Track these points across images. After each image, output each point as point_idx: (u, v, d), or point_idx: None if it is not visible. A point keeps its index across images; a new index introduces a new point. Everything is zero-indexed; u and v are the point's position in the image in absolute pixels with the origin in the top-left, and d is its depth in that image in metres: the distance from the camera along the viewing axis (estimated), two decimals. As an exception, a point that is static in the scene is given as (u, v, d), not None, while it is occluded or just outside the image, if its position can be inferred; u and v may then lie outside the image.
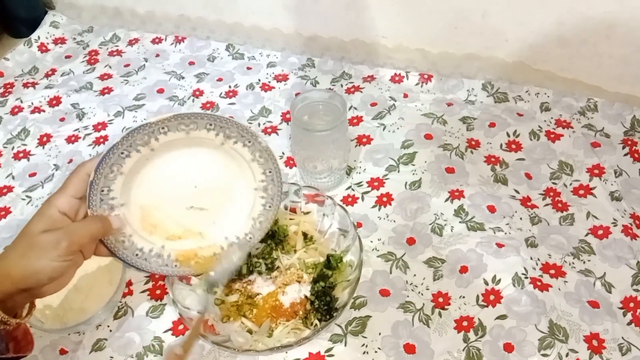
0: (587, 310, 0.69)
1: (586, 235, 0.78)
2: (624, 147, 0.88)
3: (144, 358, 0.69)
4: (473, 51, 1.01)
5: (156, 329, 0.71)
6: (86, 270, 0.74)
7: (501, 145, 0.90)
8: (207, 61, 1.13)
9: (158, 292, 0.75)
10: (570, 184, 0.84)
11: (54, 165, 0.94)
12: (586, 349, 0.66)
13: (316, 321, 0.66)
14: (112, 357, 0.69)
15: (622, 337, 0.67)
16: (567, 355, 0.65)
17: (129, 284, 0.76)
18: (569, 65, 0.96)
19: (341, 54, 1.10)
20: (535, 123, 0.93)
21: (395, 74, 1.04)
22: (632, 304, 0.70)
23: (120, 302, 0.74)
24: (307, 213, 0.79)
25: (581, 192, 0.83)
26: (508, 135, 0.92)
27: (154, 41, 1.18)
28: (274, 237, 0.74)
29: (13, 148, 0.97)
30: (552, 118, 0.94)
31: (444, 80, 1.01)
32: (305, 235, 0.76)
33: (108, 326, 0.72)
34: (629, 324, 0.68)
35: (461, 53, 1.02)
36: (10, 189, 0.90)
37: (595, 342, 0.66)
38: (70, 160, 0.94)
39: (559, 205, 0.82)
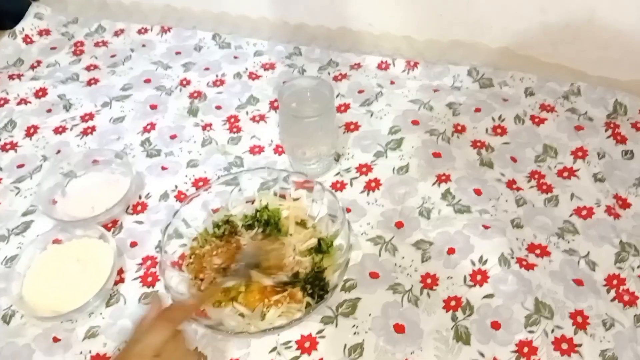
0: (572, 288, 0.71)
1: (570, 215, 0.79)
2: (606, 130, 0.90)
3: (137, 344, 0.69)
4: (458, 38, 1.02)
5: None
6: (77, 259, 0.75)
7: (487, 129, 0.92)
8: (193, 51, 1.12)
9: (150, 279, 0.76)
10: (555, 167, 0.86)
11: (42, 156, 0.93)
12: (571, 325, 0.67)
13: (308, 299, 0.68)
14: (105, 344, 0.70)
15: (606, 313, 0.69)
16: (552, 331, 0.67)
17: (121, 271, 0.76)
18: (552, 51, 0.97)
19: (328, 42, 1.11)
20: (520, 108, 0.94)
21: (382, 61, 1.05)
22: (615, 282, 0.72)
23: (113, 289, 0.75)
24: (297, 199, 0.80)
25: (565, 174, 0.85)
26: (493, 119, 0.93)
27: (139, 32, 1.17)
28: (269, 224, 0.75)
29: (0, 140, 0.97)
30: (536, 102, 0.95)
31: (430, 67, 1.02)
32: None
33: (101, 314, 0.72)
34: (612, 300, 0.70)
35: (446, 40, 1.03)
36: (-2, 180, 0.90)
37: (579, 319, 0.68)
38: (58, 151, 0.93)
39: (544, 187, 0.83)
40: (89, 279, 0.72)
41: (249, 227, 0.76)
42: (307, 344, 0.68)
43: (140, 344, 0.55)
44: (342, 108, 0.97)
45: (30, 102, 1.03)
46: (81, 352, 0.69)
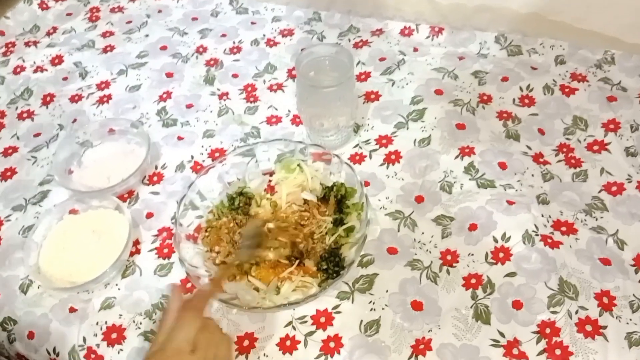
0: (599, 268, 0.68)
1: (599, 191, 0.76)
2: (641, 101, 0.85)
3: (152, 315, 0.69)
4: (485, 2, 0.97)
5: (164, 287, 0.72)
6: (93, 230, 0.75)
7: (514, 100, 0.88)
8: (210, 16, 1.10)
9: (165, 250, 0.75)
10: (585, 140, 0.82)
11: (58, 125, 0.93)
12: (596, 306, 0.65)
13: (323, 276, 0.67)
14: (121, 315, 0.70)
15: (634, 295, 0.66)
16: (576, 312, 0.65)
17: (136, 242, 0.76)
18: (585, 16, 0.92)
19: (348, 7, 1.06)
20: (549, 77, 0.90)
21: (404, 27, 1.01)
22: (644, 261, 0.69)
23: (128, 260, 0.75)
24: (316, 171, 0.78)
25: (595, 147, 0.81)
26: (521, 89, 0.89)
27: (155, -4, 1.15)
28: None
29: (17, 108, 0.96)
30: (567, 71, 0.91)
31: (455, 33, 0.98)
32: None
33: (117, 284, 0.72)
34: (641, 280, 0.67)
35: (472, 4, 0.98)
36: (15, 149, 0.90)
37: (605, 300, 0.66)
38: (74, 120, 0.93)
39: (572, 161, 0.80)
40: (105, 250, 0.72)
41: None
42: (322, 319, 0.67)
43: (174, 342, 0.53)
44: (362, 77, 0.94)
45: (46, 70, 1.02)
46: (97, 323, 0.69)
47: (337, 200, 0.73)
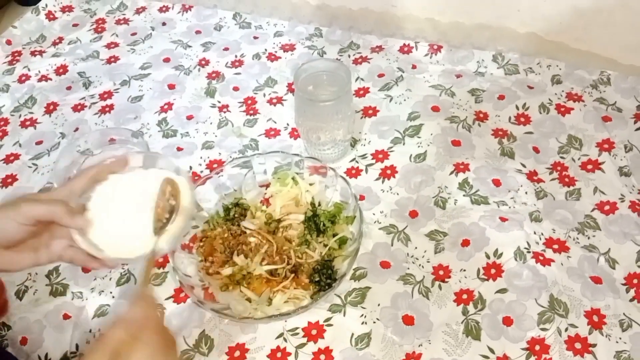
0: (590, 286, 0.69)
1: (592, 210, 0.76)
2: (635, 122, 0.86)
3: (145, 324, 0.70)
4: (484, 21, 0.99)
5: (158, 296, 0.72)
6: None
7: (510, 118, 0.89)
8: (213, 30, 1.11)
9: (160, 260, 0.76)
10: (579, 159, 0.83)
11: (60, 133, 0.94)
12: (586, 324, 0.65)
13: (315, 288, 0.67)
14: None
15: (624, 314, 0.66)
16: (566, 329, 0.65)
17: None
18: (583, 36, 0.93)
19: (349, 24, 1.08)
20: (545, 96, 0.91)
21: (404, 44, 1.02)
22: (635, 280, 0.69)
23: (123, 269, 0.75)
24: (311, 185, 0.79)
25: (589, 166, 0.81)
26: (517, 108, 0.90)
27: (160, 10, 1.16)
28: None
29: (20, 116, 0.98)
30: (563, 91, 0.92)
31: (453, 51, 0.99)
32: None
33: (111, 292, 0.73)
34: (632, 300, 0.68)
35: (472, 23, 1.00)
36: (17, 156, 0.91)
37: (595, 318, 0.66)
38: (76, 129, 0.94)
39: (566, 179, 0.80)
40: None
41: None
42: (314, 332, 0.67)
43: None
44: (361, 92, 0.95)
45: (50, 79, 1.04)
46: (90, 330, 0.70)
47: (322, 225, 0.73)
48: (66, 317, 0.71)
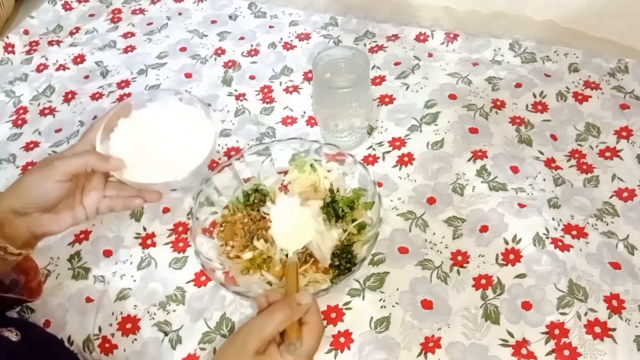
0: (608, 271, 0.69)
1: (610, 197, 0.76)
2: (654, 109, 0.86)
3: (166, 307, 0.71)
4: (500, 9, 0.99)
5: (178, 279, 0.73)
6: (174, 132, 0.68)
7: (527, 106, 0.89)
8: (229, 20, 1.12)
9: (181, 244, 0.76)
10: (597, 146, 0.82)
11: (79, 121, 0.95)
12: (605, 309, 0.65)
13: (335, 272, 0.68)
14: (136, 306, 0.71)
15: (643, 299, 0.66)
16: (585, 314, 0.65)
17: (152, 235, 0.78)
18: (600, 24, 0.93)
19: (365, 12, 1.08)
20: (562, 84, 0.91)
21: (420, 32, 1.02)
22: (655, 266, 0.69)
23: (144, 253, 0.76)
24: (329, 172, 0.79)
25: (607, 154, 0.81)
26: (534, 96, 0.90)
27: (176, 0, 1.17)
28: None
29: (39, 104, 0.99)
30: (580, 79, 0.91)
31: (470, 40, 0.99)
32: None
33: (132, 276, 0.74)
34: (651, 285, 0.68)
35: (488, 11, 1.00)
36: (37, 144, 0.92)
37: (615, 302, 0.66)
38: (94, 117, 0.95)
39: (584, 167, 0.80)
40: (185, 154, 0.66)
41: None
42: (333, 315, 0.68)
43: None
44: (378, 80, 0.95)
45: (68, 68, 1.05)
46: (112, 313, 0.71)
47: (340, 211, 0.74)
48: (88, 300, 0.72)
